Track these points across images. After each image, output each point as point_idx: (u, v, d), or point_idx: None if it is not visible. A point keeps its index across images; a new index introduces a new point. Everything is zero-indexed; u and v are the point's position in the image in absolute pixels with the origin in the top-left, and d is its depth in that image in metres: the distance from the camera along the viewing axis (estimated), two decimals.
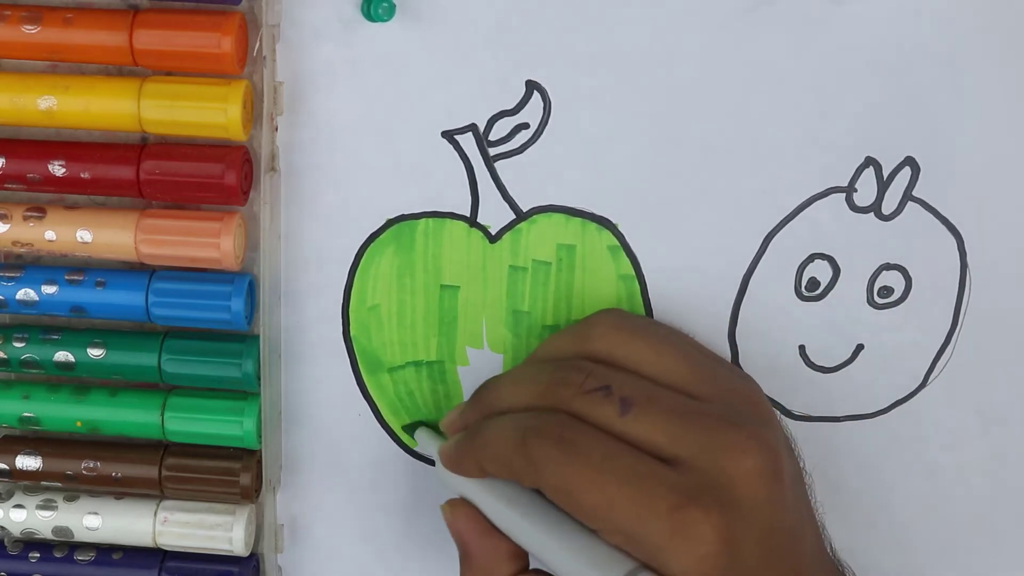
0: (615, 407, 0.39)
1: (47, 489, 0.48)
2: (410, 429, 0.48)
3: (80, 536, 0.48)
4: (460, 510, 0.43)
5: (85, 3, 0.44)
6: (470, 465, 0.42)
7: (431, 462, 0.49)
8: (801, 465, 0.42)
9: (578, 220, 0.46)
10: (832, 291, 0.47)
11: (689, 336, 0.45)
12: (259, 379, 0.46)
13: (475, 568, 0.42)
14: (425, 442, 0.47)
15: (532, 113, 0.45)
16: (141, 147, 0.44)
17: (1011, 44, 0.44)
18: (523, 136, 0.46)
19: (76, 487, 0.48)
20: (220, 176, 0.44)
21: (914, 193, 0.46)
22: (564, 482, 0.39)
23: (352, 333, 0.47)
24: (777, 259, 0.46)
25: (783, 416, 0.48)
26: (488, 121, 0.45)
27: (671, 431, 0.39)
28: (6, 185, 0.45)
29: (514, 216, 0.46)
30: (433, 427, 0.48)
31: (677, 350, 0.42)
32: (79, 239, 0.45)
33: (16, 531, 0.48)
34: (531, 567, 0.42)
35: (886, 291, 0.47)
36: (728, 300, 0.47)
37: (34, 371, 0.47)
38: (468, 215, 0.46)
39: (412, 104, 0.45)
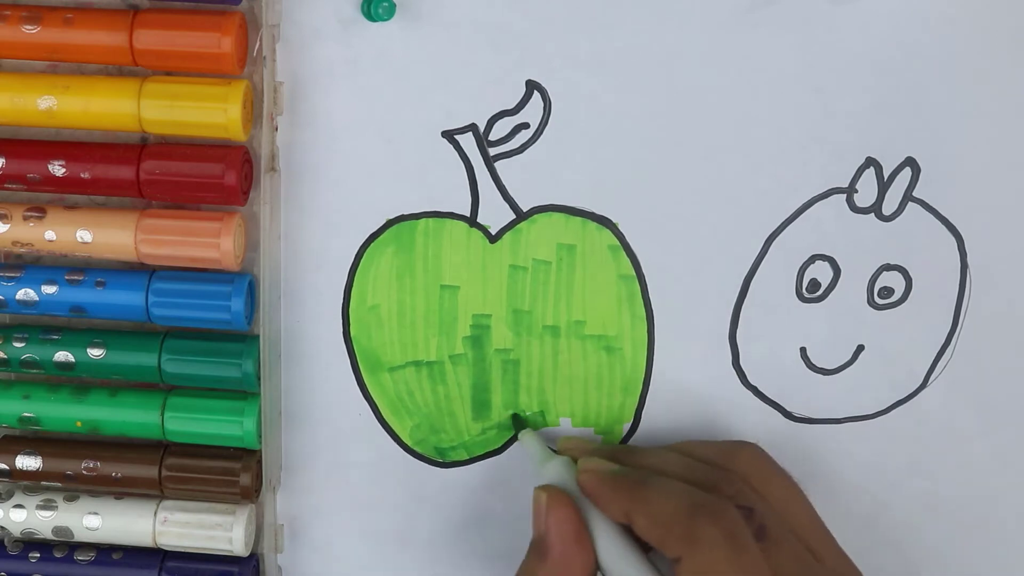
0: (752, 530, 0.41)
1: (47, 489, 0.48)
2: (516, 423, 0.48)
3: (80, 536, 0.48)
4: (562, 507, 0.43)
5: (85, 3, 0.44)
6: (617, 505, 0.42)
7: (431, 462, 0.49)
8: None
9: (578, 219, 0.46)
10: (833, 292, 0.47)
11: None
12: (259, 379, 0.46)
13: (552, 564, 0.43)
14: (532, 444, 0.47)
15: (532, 113, 0.45)
16: (141, 147, 0.44)
17: (1011, 44, 0.44)
18: (523, 136, 0.46)
19: (76, 487, 0.48)
20: (220, 176, 0.44)
21: (914, 194, 0.46)
22: (708, 568, 0.40)
23: (352, 333, 0.47)
24: (778, 260, 0.46)
25: (784, 417, 0.48)
26: (488, 121, 0.45)
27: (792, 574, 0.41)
28: (6, 185, 0.45)
29: (514, 216, 0.46)
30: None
31: (805, 502, 0.44)
32: (79, 239, 0.45)
33: (16, 531, 0.48)
34: None
35: (887, 292, 0.47)
36: (729, 301, 0.47)
37: (34, 371, 0.47)
38: (468, 215, 0.46)
39: (412, 104, 0.45)
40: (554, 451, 0.47)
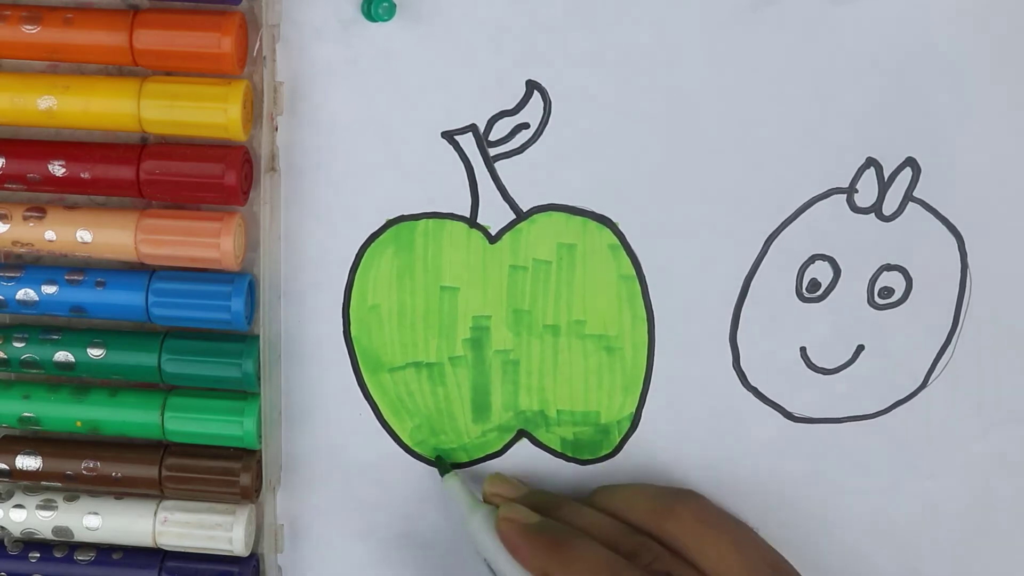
0: None
1: (47, 489, 0.48)
2: (441, 466, 0.48)
3: (80, 536, 0.48)
4: None
5: (85, 3, 0.44)
6: (535, 561, 0.43)
7: (431, 463, 0.49)
8: None
9: (579, 219, 0.46)
10: (833, 292, 0.47)
11: (764, 544, 0.46)
12: (259, 379, 0.46)
13: None
14: (456, 491, 0.47)
15: (532, 113, 0.45)
16: (141, 147, 0.44)
17: (1011, 44, 0.44)
18: (523, 136, 0.46)
19: (76, 487, 0.48)
20: (220, 176, 0.44)
21: (915, 194, 0.46)
22: None
23: (353, 333, 0.47)
24: (778, 260, 0.46)
25: (784, 417, 0.48)
26: (488, 121, 0.45)
27: None
28: (6, 185, 0.45)
29: (514, 216, 0.46)
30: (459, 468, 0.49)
31: (744, 552, 0.44)
32: (79, 239, 0.45)
33: (16, 531, 0.48)
34: None
35: (887, 292, 0.47)
36: (729, 301, 0.47)
37: (34, 371, 0.47)
38: (468, 215, 0.46)
39: (412, 104, 0.45)
40: (480, 496, 0.47)
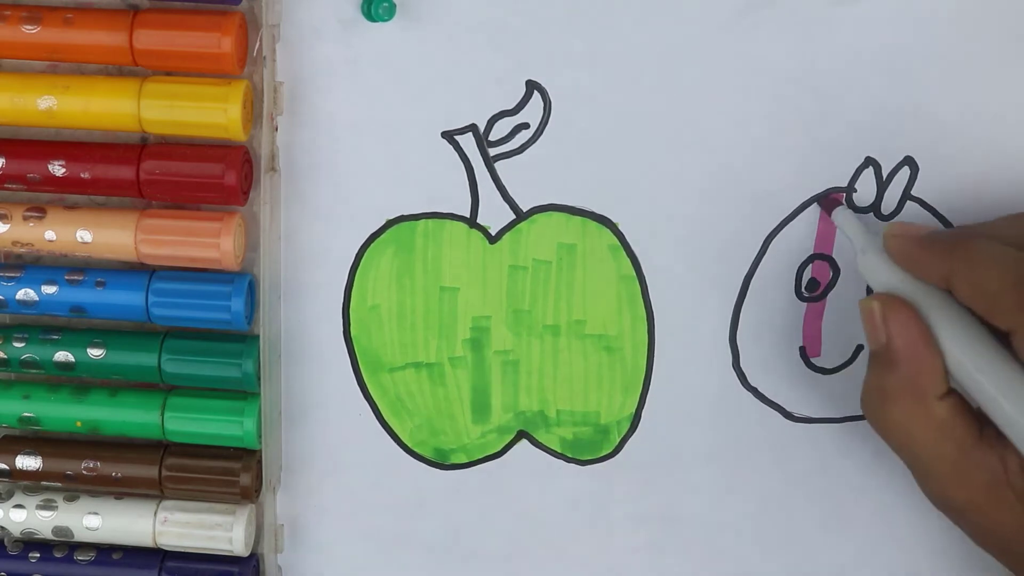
0: None
1: (47, 489, 0.48)
2: (827, 204, 0.45)
3: (80, 536, 0.48)
4: (899, 310, 0.41)
5: (85, 3, 0.44)
6: (935, 267, 0.40)
7: (431, 464, 0.49)
8: None
9: (578, 219, 0.46)
10: (832, 292, 0.47)
11: None
12: (259, 379, 0.46)
13: (902, 379, 0.41)
14: (848, 219, 0.44)
15: (532, 113, 0.45)
16: (141, 147, 0.44)
17: (1011, 44, 0.44)
18: (523, 136, 0.46)
19: (76, 487, 0.48)
20: (220, 176, 0.44)
21: (913, 192, 0.46)
22: None
23: (353, 333, 0.47)
24: (777, 260, 0.46)
25: (784, 417, 0.48)
26: (488, 121, 0.45)
27: None
28: (6, 185, 0.45)
29: (514, 216, 0.46)
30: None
31: None
32: (79, 239, 0.45)
33: (16, 531, 0.48)
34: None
35: None
36: (729, 301, 0.47)
37: (34, 371, 0.47)
38: (468, 215, 0.46)
39: (412, 104, 0.45)
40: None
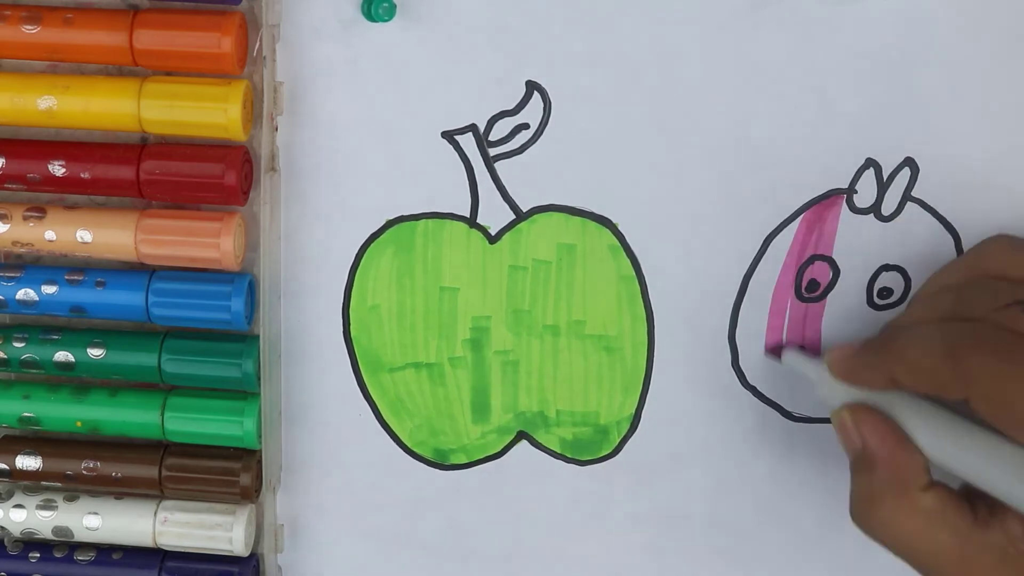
0: None
1: (47, 489, 0.48)
2: (773, 352, 0.47)
3: (80, 536, 0.48)
4: (868, 414, 0.42)
5: (85, 3, 0.44)
6: (878, 376, 0.41)
7: (431, 464, 0.49)
8: None
9: (578, 219, 0.46)
10: (832, 292, 0.47)
11: None
12: (259, 379, 0.46)
13: (883, 479, 0.41)
14: (795, 359, 0.46)
15: (532, 113, 0.45)
16: (141, 147, 0.44)
17: (1011, 44, 0.44)
18: (523, 136, 0.46)
19: (76, 487, 0.48)
20: (220, 176, 0.44)
21: (913, 194, 0.46)
22: (1001, 393, 0.37)
23: (353, 333, 0.47)
24: (777, 260, 0.46)
25: (784, 417, 0.48)
26: (488, 121, 0.45)
27: None
28: (6, 185, 0.45)
29: (514, 216, 0.46)
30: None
31: None
32: (79, 239, 0.45)
33: (16, 531, 0.48)
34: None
35: (886, 292, 0.47)
36: (728, 301, 0.47)
37: (34, 371, 0.47)
38: (468, 216, 0.46)
39: (412, 104, 0.45)
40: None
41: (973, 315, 0.40)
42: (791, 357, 0.47)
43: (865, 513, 0.42)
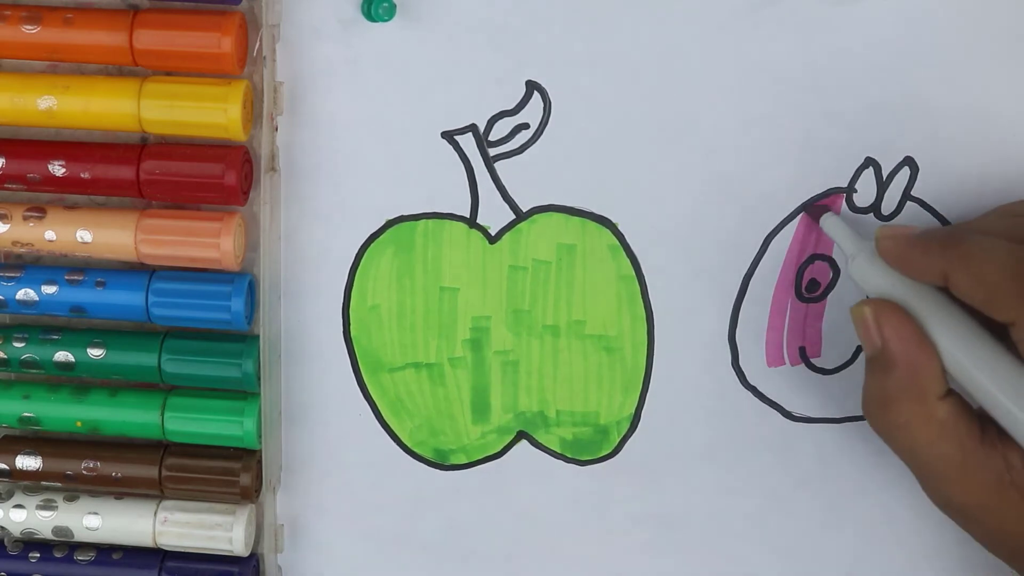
0: None
1: (47, 489, 0.48)
2: (812, 213, 0.45)
3: (80, 536, 0.48)
4: (892, 313, 0.41)
5: (85, 3, 0.44)
6: (931, 268, 0.40)
7: (431, 464, 0.49)
8: None
9: (578, 219, 0.46)
10: (832, 292, 0.47)
11: None
12: (259, 379, 0.46)
13: (900, 382, 0.41)
14: (836, 226, 0.44)
15: (532, 113, 0.45)
16: (141, 147, 0.44)
17: (1011, 44, 0.44)
18: (523, 136, 0.46)
19: (76, 487, 0.48)
20: (220, 176, 0.44)
21: (912, 193, 0.46)
22: None
23: (352, 333, 0.47)
24: (777, 260, 0.46)
25: (784, 417, 0.48)
26: (488, 121, 0.45)
27: None
28: (6, 185, 0.45)
29: (514, 216, 0.46)
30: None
31: None
32: (79, 239, 0.45)
33: (16, 531, 0.48)
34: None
35: None
36: (728, 300, 0.47)
37: (34, 371, 0.47)
38: (468, 216, 0.46)
39: (412, 104, 0.45)
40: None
41: None
42: (831, 224, 0.45)
43: (877, 412, 0.41)
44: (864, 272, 0.43)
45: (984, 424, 0.41)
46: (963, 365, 0.40)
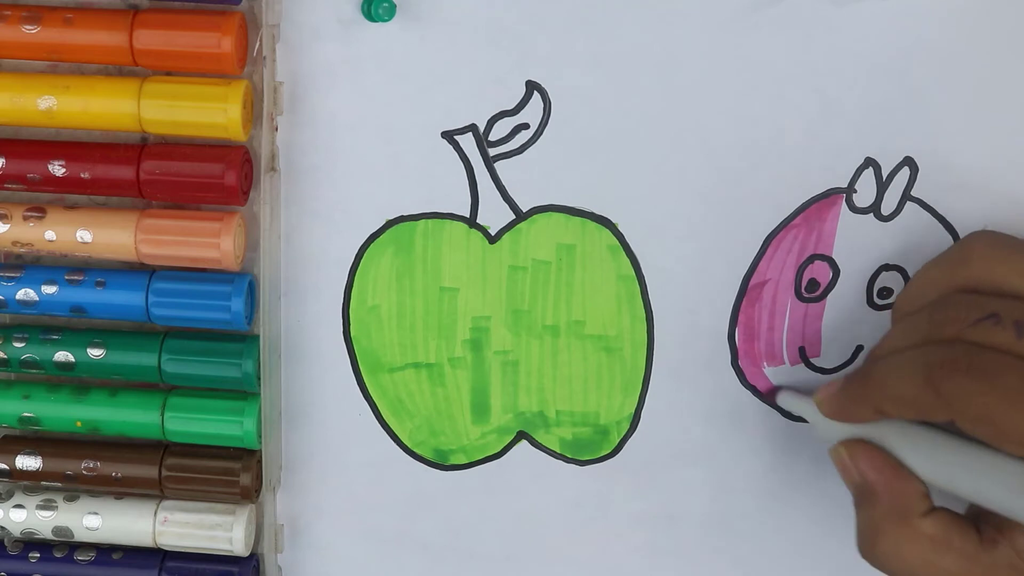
0: (1010, 332, 0.38)
1: (47, 489, 0.48)
2: (768, 395, 0.48)
3: (80, 536, 0.48)
4: (864, 448, 0.42)
5: (85, 3, 0.44)
6: (864, 409, 0.41)
7: (431, 464, 0.49)
8: None
9: (578, 220, 0.46)
10: (832, 292, 0.47)
11: None
12: (259, 379, 0.46)
13: (885, 509, 0.41)
14: (790, 401, 0.47)
15: (532, 113, 0.45)
16: (141, 147, 0.44)
17: (1011, 44, 0.44)
18: (523, 136, 0.46)
19: (76, 487, 0.48)
20: (220, 176, 0.44)
21: (913, 193, 0.46)
22: (984, 411, 0.37)
23: (352, 333, 0.47)
24: (777, 260, 0.46)
25: (784, 417, 0.48)
26: (488, 121, 0.45)
27: None
28: (6, 185, 0.45)
29: (514, 216, 0.46)
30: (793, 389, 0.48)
31: None
32: (79, 239, 0.45)
33: (16, 531, 0.48)
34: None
35: (886, 292, 0.47)
36: (728, 300, 0.47)
37: (34, 371, 0.47)
38: (468, 216, 0.46)
39: (412, 104, 0.45)
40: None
41: (947, 334, 0.40)
42: (786, 399, 0.47)
43: (870, 545, 0.42)
44: (828, 432, 0.44)
45: (980, 525, 0.41)
46: (940, 474, 0.41)
